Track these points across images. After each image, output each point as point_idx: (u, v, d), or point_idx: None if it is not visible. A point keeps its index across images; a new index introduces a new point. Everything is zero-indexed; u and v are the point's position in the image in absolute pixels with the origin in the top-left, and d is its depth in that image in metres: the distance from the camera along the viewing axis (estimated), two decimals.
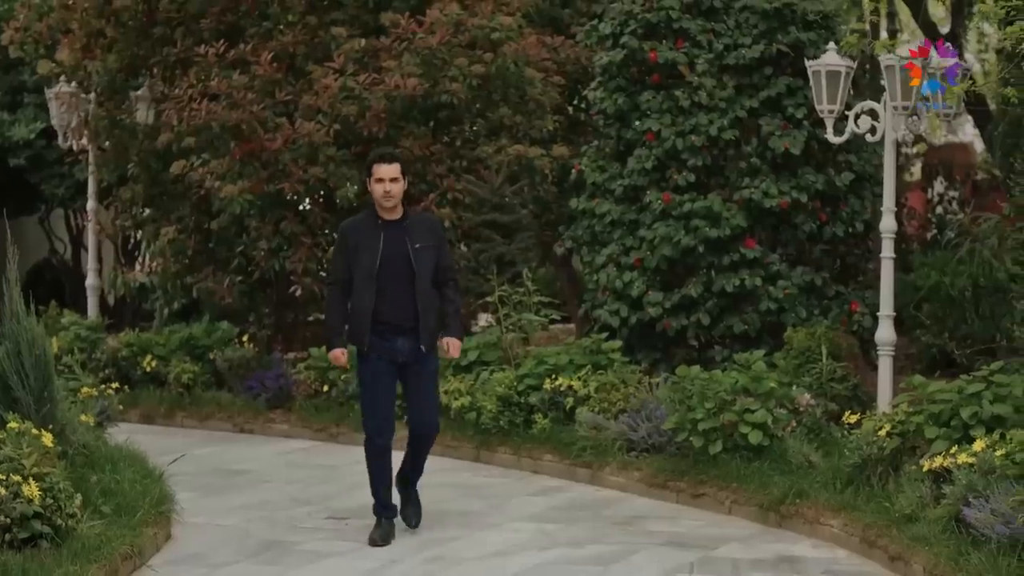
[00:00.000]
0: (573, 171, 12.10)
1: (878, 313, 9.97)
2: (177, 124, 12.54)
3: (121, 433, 9.92)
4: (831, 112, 10.09)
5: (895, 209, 9.98)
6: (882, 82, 9.79)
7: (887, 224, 9.86)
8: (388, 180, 7.92)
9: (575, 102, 13.88)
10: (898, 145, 10.14)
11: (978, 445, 7.34)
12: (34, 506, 6.84)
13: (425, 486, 8.50)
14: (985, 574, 6.57)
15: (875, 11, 15.68)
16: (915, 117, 9.74)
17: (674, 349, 11.32)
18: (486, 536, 8.20)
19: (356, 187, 12.20)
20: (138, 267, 16.70)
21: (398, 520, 8.18)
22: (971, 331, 11.33)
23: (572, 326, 13.24)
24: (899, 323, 10.46)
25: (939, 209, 15.83)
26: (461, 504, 8.97)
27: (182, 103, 12.55)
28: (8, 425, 7.44)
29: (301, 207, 12.99)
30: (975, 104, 15.47)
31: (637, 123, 11.52)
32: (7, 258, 8.15)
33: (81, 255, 17.63)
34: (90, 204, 14.69)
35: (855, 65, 10.32)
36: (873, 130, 9.87)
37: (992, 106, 15.50)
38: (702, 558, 7.71)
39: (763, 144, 11.28)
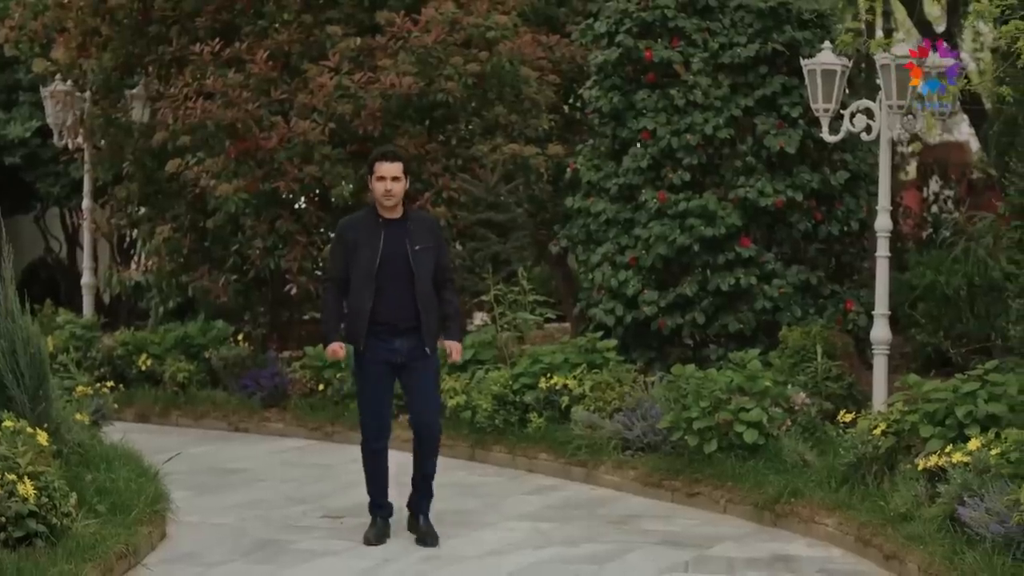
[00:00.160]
0: (568, 170, 12.08)
1: (873, 312, 9.97)
2: (172, 123, 12.53)
3: (116, 432, 9.91)
4: (826, 111, 10.09)
5: (890, 208, 9.97)
6: (877, 81, 9.77)
7: (882, 223, 9.85)
8: (390, 179, 7.84)
9: (570, 101, 13.89)
10: (893, 144, 10.15)
11: (973, 444, 7.34)
12: (29, 505, 6.83)
13: None
14: (980, 573, 6.56)
15: (870, 10, 15.73)
16: (911, 116, 9.73)
17: (669, 348, 11.31)
18: (481, 535, 8.19)
19: (351, 186, 12.20)
20: (133, 266, 16.66)
21: (393, 519, 8.17)
22: (966, 330, 11.35)
23: (567, 325, 13.24)
24: (894, 322, 10.47)
25: (934, 208, 15.85)
26: (456, 503, 8.95)
27: (177, 102, 12.54)
28: (3, 424, 7.42)
29: (296, 206, 12.99)
30: (970, 103, 15.49)
31: (632, 122, 11.51)
32: (2, 257, 8.12)
33: (76, 254, 17.64)
34: (85, 203, 14.68)
35: (850, 64, 10.33)
36: (868, 129, 9.86)
37: (987, 105, 15.50)
38: (697, 557, 7.70)
39: (758, 143, 11.28)
